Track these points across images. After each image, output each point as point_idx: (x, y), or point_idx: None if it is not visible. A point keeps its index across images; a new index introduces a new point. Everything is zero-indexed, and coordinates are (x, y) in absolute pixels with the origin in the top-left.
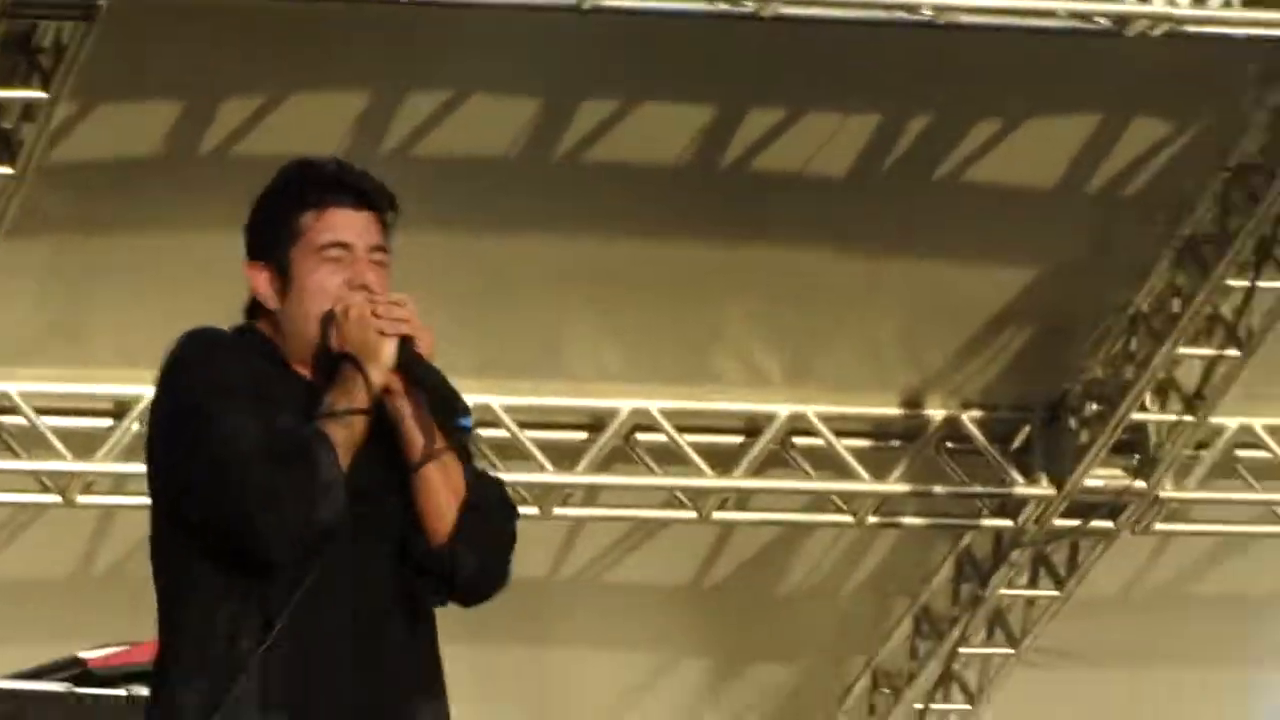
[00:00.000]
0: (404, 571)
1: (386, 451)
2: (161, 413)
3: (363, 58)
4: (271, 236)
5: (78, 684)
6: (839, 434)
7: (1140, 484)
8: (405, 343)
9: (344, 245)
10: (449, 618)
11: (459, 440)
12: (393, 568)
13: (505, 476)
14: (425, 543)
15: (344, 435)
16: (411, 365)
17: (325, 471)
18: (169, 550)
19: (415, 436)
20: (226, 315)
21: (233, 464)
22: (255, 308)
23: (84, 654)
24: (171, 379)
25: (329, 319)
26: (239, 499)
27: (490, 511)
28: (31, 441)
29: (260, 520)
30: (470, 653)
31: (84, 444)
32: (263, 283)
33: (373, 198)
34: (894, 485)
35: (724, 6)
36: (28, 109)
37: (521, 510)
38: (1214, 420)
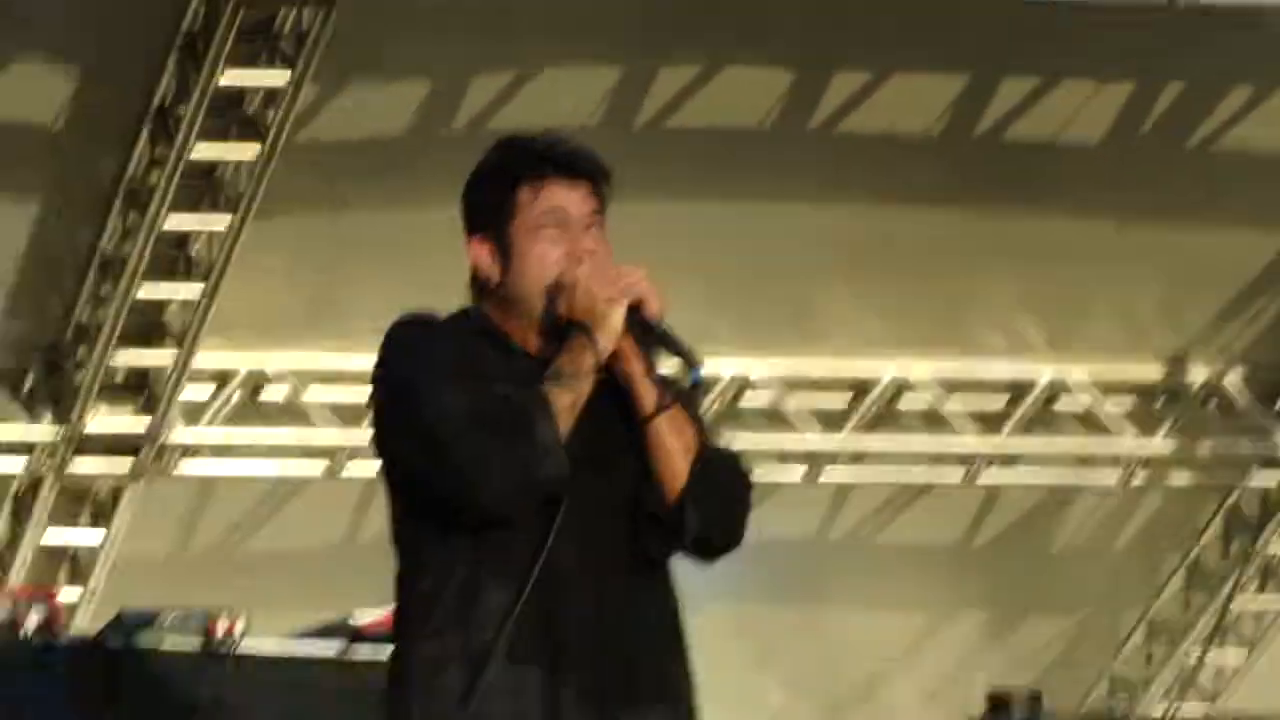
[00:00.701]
0: (638, 528)
1: (622, 413)
2: (378, 399)
3: (618, 29)
4: (490, 212)
5: (350, 645)
6: (1102, 394)
7: None
8: (634, 307)
9: (562, 218)
10: (717, 577)
11: (693, 398)
12: (629, 526)
13: (773, 439)
14: (659, 498)
15: (568, 398)
16: (642, 328)
17: (542, 433)
18: (403, 524)
19: (646, 394)
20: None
21: (445, 434)
22: (477, 284)
23: (354, 619)
24: (383, 365)
25: (557, 288)
26: (452, 467)
27: (722, 472)
28: (291, 414)
29: (475, 485)
30: (743, 614)
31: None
32: (484, 257)
33: (587, 170)
34: (1160, 444)
35: None
36: (270, 93)
37: (787, 477)
38: None
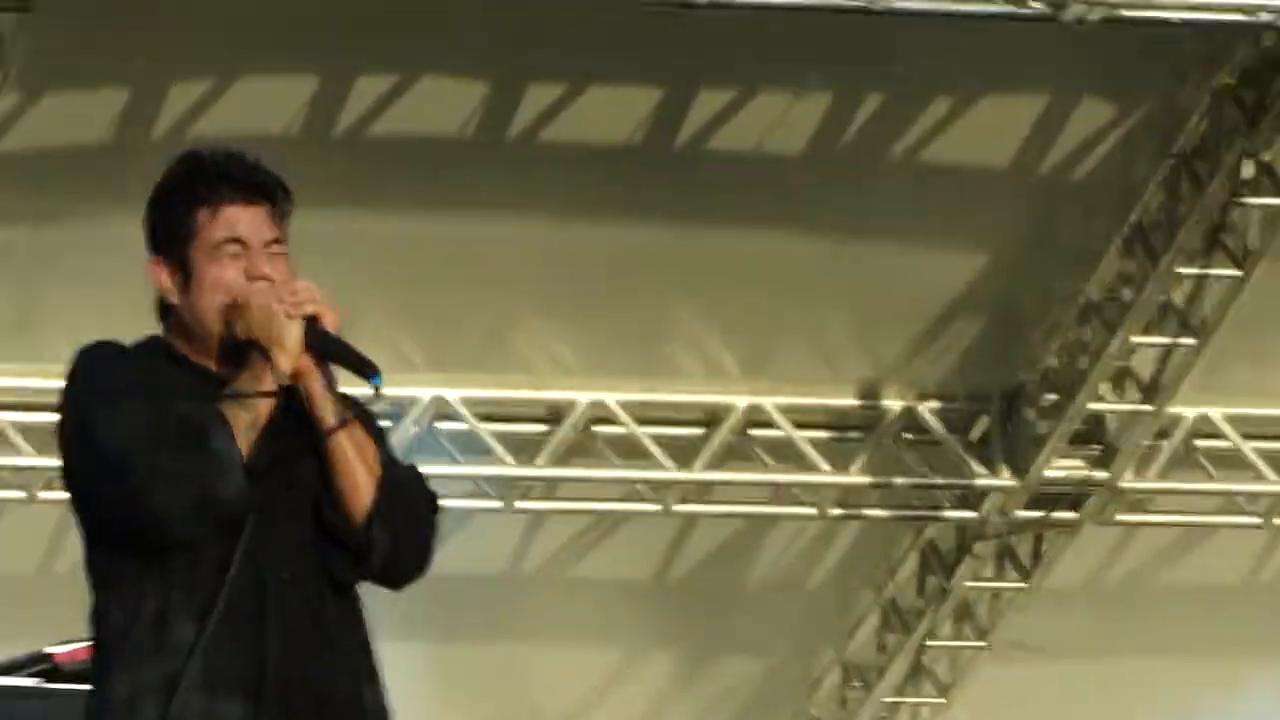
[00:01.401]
0: (325, 550)
1: (305, 432)
2: (62, 426)
3: (314, 40)
4: (168, 233)
5: (47, 679)
6: (798, 425)
7: (1101, 474)
8: (311, 322)
9: (239, 242)
10: (409, 615)
11: (373, 418)
12: (316, 547)
13: (465, 470)
14: (342, 520)
15: (246, 417)
16: (319, 343)
17: (220, 450)
18: (93, 555)
19: (325, 409)
20: None
21: (120, 452)
22: (164, 311)
23: (51, 649)
24: (68, 393)
25: (231, 309)
26: (129, 483)
27: (408, 495)
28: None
29: (151, 500)
30: (431, 650)
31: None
32: (164, 278)
33: (266, 190)
34: (855, 477)
35: None
36: None
37: (483, 504)
38: (1172, 410)
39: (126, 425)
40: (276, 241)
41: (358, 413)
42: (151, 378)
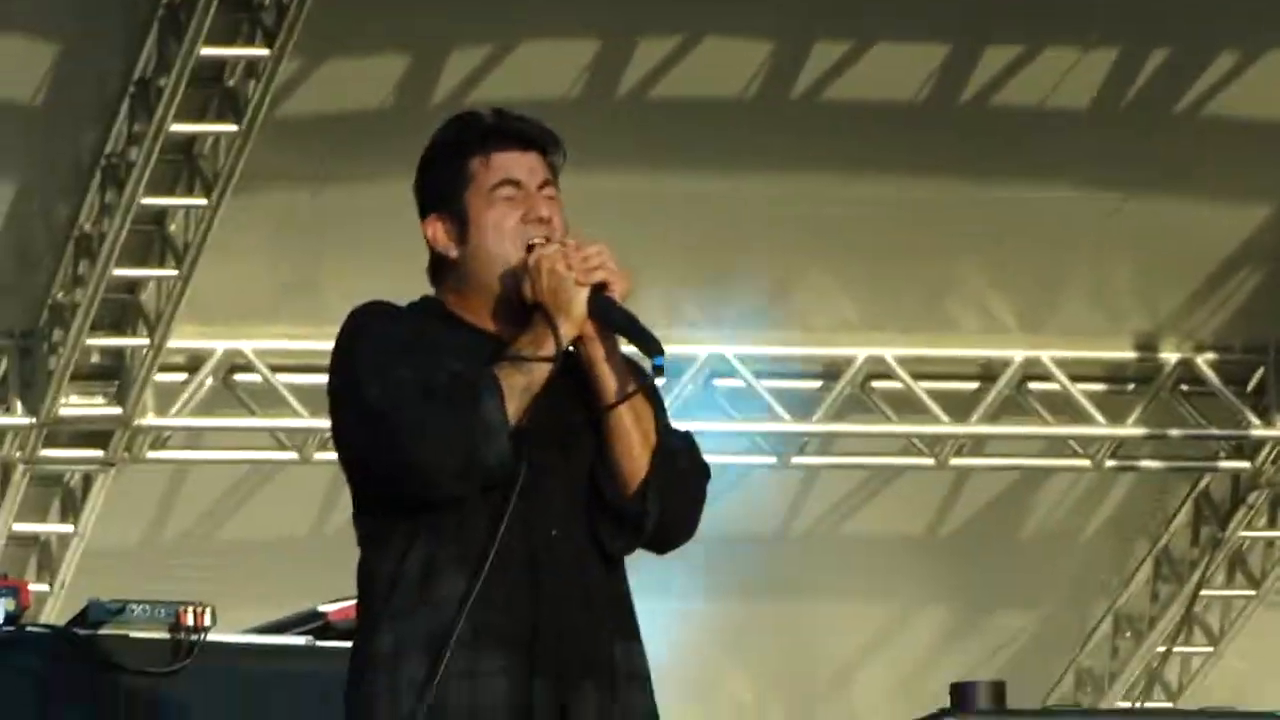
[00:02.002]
0: (595, 515)
1: (581, 397)
2: (332, 385)
3: (596, 3)
4: (443, 187)
5: (318, 637)
6: (1073, 379)
7: None
8: (598, 289)
9: (515, 183)
10: (686, 574)
11: (654, 386)
12: (586, 513)
13: (742, 426)
14: (617, 489)
15: (521, 380)
16: (605, 311)
17: (489, 413)
18: (361, 510)
19: (607, 380)
20: None
21: (389, 407)
22: (435, 267)
23: (323, 607)
24: (339, 352)
25: (520, 270)
26: (396, 440)
27: (682, 464)
28: (267, 399)
29: (417, 457)
30: (708, 608)
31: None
32: (440, 233)
33: (536, 138)
34: (1130, 429)
35: None
36: (250, 66)
37: (759, 460)
38: None
39: (396, 382)
40: (550, 184)
41: (637, 378)
42: (423, 337)
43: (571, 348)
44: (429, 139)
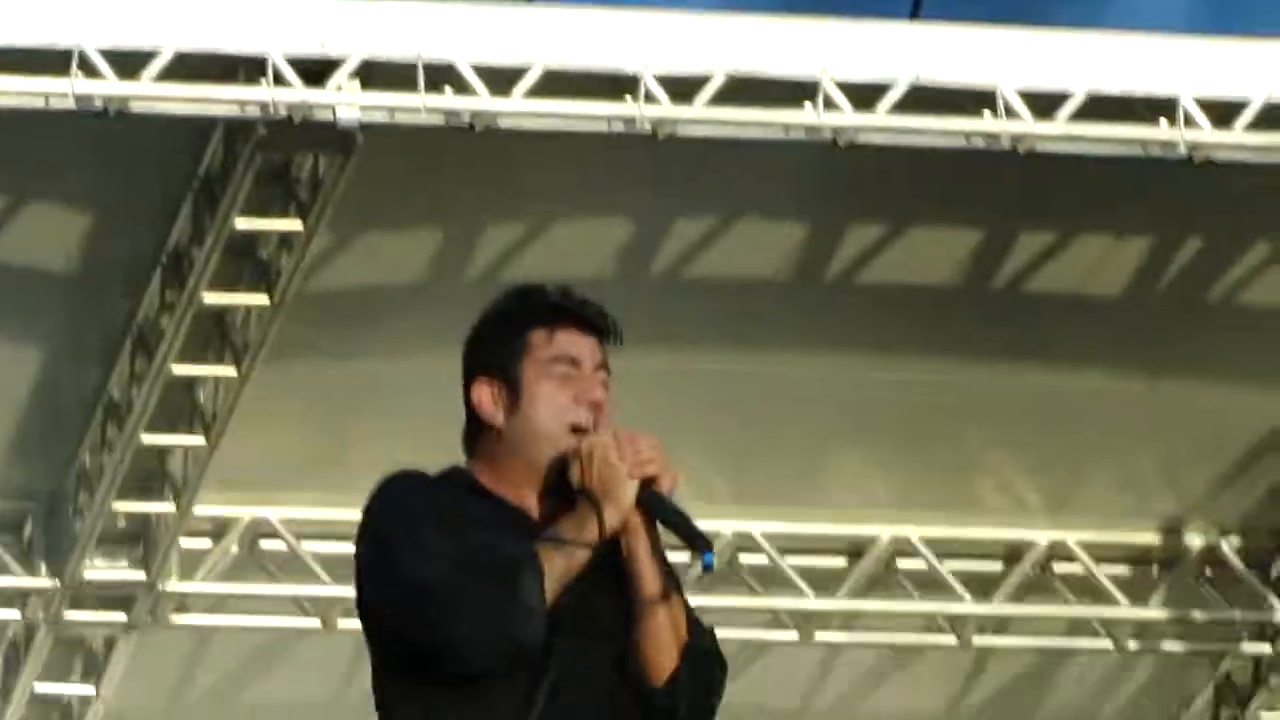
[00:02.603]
0: (621, 705)
1: (616, 583)
2: (361, 554)
3: (630, 183)
4: (500, 352)
5: None
6: (1098, 560)
7: None
8: (647, 482)
9: (574, 362)
10: None
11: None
12: (611, 701)
13: (765, 602)
14: (646, 681)
15: (561, 564)
16: (655, 505)
17: (528, 595)
18: (382, 679)
19: (648, 574)
20: None
21: (424, 579)
22: (472, 436)
23: None
24: (369, 519)
25: (572, 454)
26: (430, 613)
27: (707, 665)
28: (291, 567)
29: (452, 632)
30: None
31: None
32: (487, 398)
33: (598, 323)
34: (1153, 611)
35: (980, 143)
36: (284, 239)
37: (782, 635)
38: None
39: (432, 554)
40: (605, 368)
41: (672, 573)
42: (457, 508)
43: (613, 537)
44: (489, 304)
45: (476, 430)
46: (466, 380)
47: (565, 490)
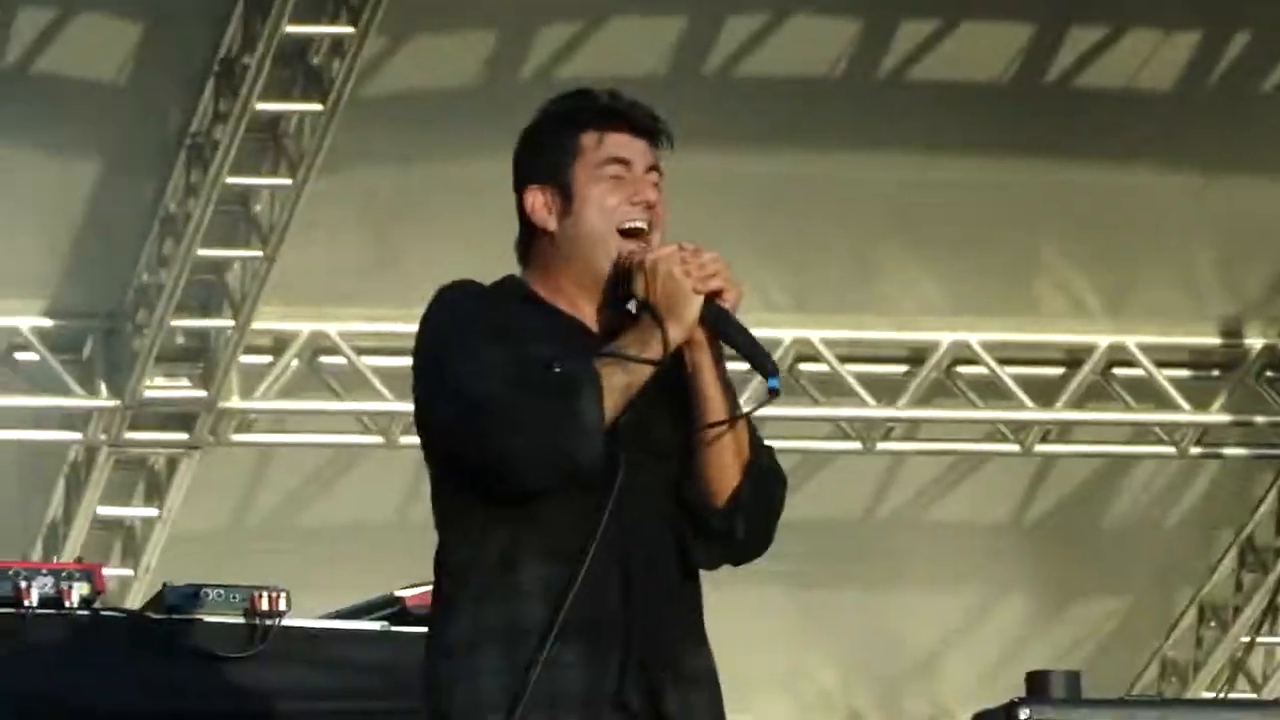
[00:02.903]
0: (680, 524)
1: (679, 400)
2: (417, 368)
3: None
4: (549, 158)
5: (394, 622)
6: (1159, 365)
7: None
8: (711, 297)
9: (625, 163)
10: (769, 559)
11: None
12: (670, 518)
13: (827, 412)
14: (707, 502)
15: (623, 380)
16: (721, 321)
17: (586, 411)
18: (441, 494)
19: (712, 392)
20: None
21: (484, 395)
22: (526, 243)
23: (400, 592)
24: (425, 330)
25: (636, 267)
26: (490, 429)
27: (769, 479)
28: (352, 382)
29: (506, 447)
30: (790, 594)
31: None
32: (539, 204)
33: (650, 125)
34: (1216, 415)
35: None
36: (335, 44)
37: (844, 446)
38: None
39: (488, 365)
40: (657, 171)
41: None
42: (512, 320)
43: (676, 354)
44: (537, 111)
45: (530, 237)
46: (518, 187)
47: (625, 304)
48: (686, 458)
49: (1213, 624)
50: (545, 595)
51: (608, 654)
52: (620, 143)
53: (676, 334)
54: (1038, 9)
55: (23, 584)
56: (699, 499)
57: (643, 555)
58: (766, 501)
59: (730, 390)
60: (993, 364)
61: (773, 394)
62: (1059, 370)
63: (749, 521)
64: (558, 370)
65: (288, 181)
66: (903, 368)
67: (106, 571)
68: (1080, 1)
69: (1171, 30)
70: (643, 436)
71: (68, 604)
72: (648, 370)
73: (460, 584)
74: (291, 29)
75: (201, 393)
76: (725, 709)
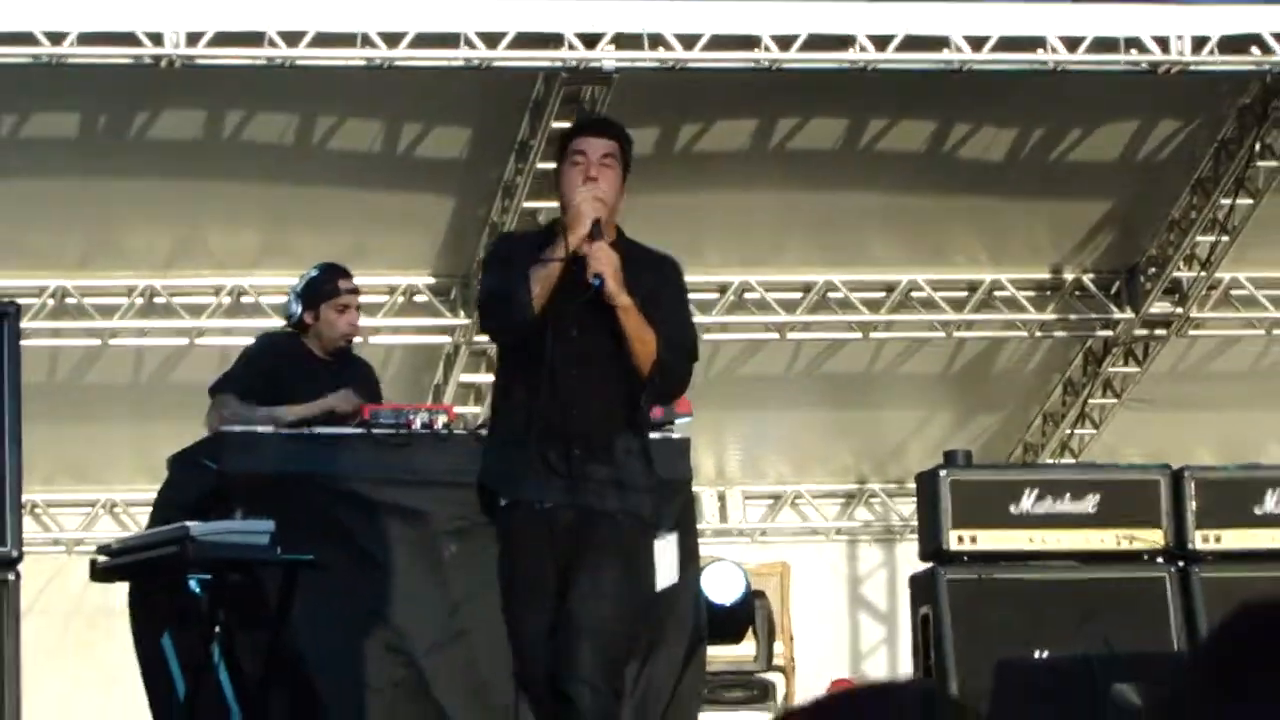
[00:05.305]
0: (616, 381)
1: (613, 330)
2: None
3: None
4: (559, 159)
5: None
6: (1018, 288)
7: None
8: (596, 223)
9: (581, 153)
10: (813, 408)
11: (677, 283)
12: (614, 359)
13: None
14: (638, 373)
15: (542, 273)
16: (592, 234)
17: (516, 295)
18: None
19: (625, 316)
20: None
21: (484, 293)
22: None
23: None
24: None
25: (567, 209)
26: (487, 308)
27: (671, 362)
28: None
29: (488, 320)
30: (823, 412)
31: None
32: (561, 184)
33: (610, 130)
34: (1049, 315)
35: None
36: None
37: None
38: None
39: (488, 279)
40: (610, 157)
41: (651, 281)
42: (513, 252)
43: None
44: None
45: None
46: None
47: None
48: (621, 350)
49: (1050, 425)
50: (531, 408)
51: (566, 445)
52: (585, 143)
53: (572, 241)
54: None
55: (410, 416)
56: (634, 371)
57: (580, 379)
58: (670, 376)
59: (645, 324)
60: (931, 292)
61: (596, 290)
62: (965, 293)
63: (657, 395)
64: (510, 277)
65: None
66: (883, 292)
67: (456, 409)
68: None
69: None
70: (586, 336)
71: (435, 428)
72: (558, 266)
73: (496, 400)
74: None
75: None
76: (643, 477)
